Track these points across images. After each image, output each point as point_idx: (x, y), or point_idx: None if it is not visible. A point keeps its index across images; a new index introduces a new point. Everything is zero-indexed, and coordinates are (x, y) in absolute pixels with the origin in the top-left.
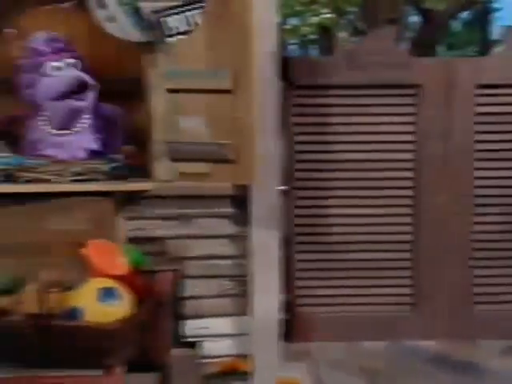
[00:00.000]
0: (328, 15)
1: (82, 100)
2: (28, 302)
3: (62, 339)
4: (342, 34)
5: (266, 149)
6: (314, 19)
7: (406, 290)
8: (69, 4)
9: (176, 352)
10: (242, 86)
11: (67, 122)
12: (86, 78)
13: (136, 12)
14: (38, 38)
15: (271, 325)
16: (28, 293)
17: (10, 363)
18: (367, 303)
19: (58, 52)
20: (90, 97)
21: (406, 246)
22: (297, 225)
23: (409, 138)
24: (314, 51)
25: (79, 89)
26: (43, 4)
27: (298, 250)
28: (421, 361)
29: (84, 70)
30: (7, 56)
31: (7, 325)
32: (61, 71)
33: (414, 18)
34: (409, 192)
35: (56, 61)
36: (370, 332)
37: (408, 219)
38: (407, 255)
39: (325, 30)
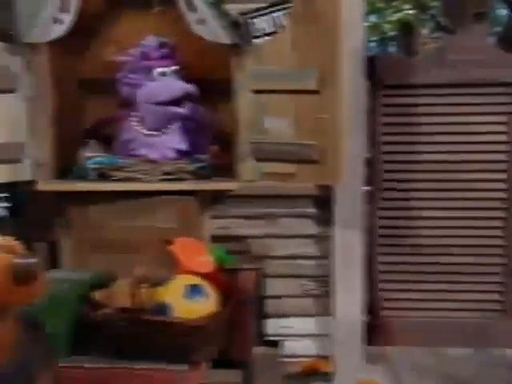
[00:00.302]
0: (410, 11)
1: (182, 108)
2: (120, 296)
3: (152, 333)
4: (424, 30)
5: (352, 149)
6: (396, 16)
7: (495, 296)
8: (159, 8)
9: (258, 350)
10: (329, 85)
11: (161, 125)
12: (192, 89)
13: (224, 14)
14: (149, 42)
15: (354, 326)
16: (120, 287)
17: (105, 354)
18: (453, 309)
19: (165, 58)
20: (190, 106)
21: (497, 251)
22: (381, 226)
23: (502, 138)
24: (393, 48)
25: (182, 98)
26: (136, 8)
27: (381, 252)
28: (508, 370)
29: (184, 76)
30: (101, 58)
31: (101, 317)
32: (165, 77)
33: (502, 12)
34: (501, 194)
35: (162, 66)
36: (455, 338)
37: (499, 223)
38: (498, 260)
39: (406, 27)
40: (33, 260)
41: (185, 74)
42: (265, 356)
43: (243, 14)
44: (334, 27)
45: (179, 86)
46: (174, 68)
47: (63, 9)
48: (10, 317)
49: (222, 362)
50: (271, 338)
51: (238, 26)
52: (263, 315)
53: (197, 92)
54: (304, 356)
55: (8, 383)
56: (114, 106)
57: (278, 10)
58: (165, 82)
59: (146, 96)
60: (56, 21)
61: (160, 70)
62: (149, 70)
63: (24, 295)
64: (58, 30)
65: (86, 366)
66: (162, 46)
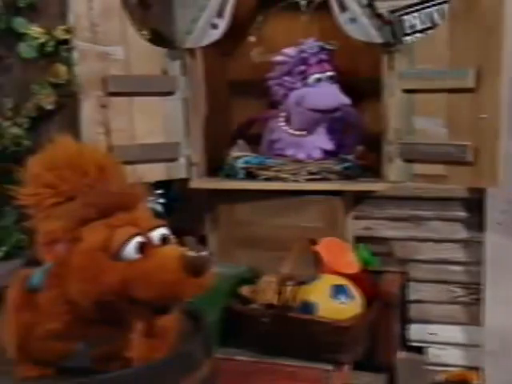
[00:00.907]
0: None
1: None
2: (266, 292)
3: (297, 331)
4: None
5: (508, 150)
6: None
7: None
8: (306, 9)
9: (402, 355)
10: (487, 84)
11: (309, 126)
12: (348, 101)
13: (375, 13)
14: (310, 47)
15: (507, 338)
16: (266, 284)
17: (249, 348)
18: None
19: (322, 62)
20: (339, 113)
21: None
22: None
23: None
24: None
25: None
26: (284, 9)
27: None
28: None
29: (338, 81)
30: (249, 60)
31: (248, 312)
32: (321, 83)
33: None
34: None
35: (319, 72)
36: None
37: None
38: None
39: None
40: (204, 253)
41: (345, 82)
42: (409, 362)
43: (394, 11)
44: (497, 24)
45: (335, 98)
46: (329, 74)
47: (219, 14)
48: (177, 307)
49: (365, 364)
50: (414, 344)
51: (389, 24)
52: (407, 320)
53: (349, 101)
54: (449, 365)
55: (173, 370)
56: (260, 107)
57: (431, 6)
58: (321, 91)
59: (300, 100)
60: (212, 26)
61: (316, 75)
62: (305, 74)
63: (194, 287)
64: (214, 35)
65: (236, 358)
66: (321, 50)
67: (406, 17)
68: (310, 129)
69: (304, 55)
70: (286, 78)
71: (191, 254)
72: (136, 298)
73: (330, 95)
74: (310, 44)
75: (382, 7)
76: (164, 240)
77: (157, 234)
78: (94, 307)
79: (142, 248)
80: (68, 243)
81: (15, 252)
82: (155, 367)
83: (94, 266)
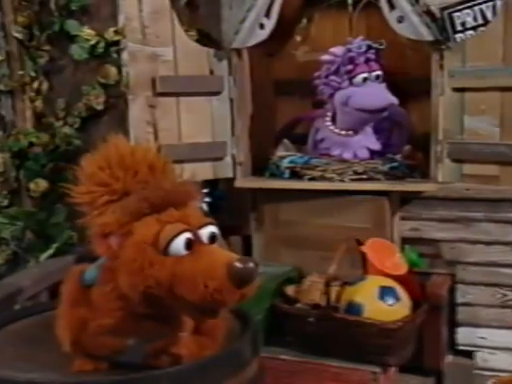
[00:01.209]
0: None
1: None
2: (312, 292)
3: (343, 332)
4: None
5: None
6: None
7: None
8: (353, 8)
9: (449, 359)
10: None
11: (356, 126)
12: (395, 101)
13: (425, 10)
14: (357, 47)
15: None
16: (310, 284)
17: (295, 347)
18: None
19: (368, 62)
20: (386, 113)
21: None
22: None
23: None
24: None
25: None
26: (330, 9)
27: None
28: None
29: (386, 80)
30: (295, 59)
31: (293, 312)
32: (368, 83)
33: None
34: None
35: (366, 72)
36: None
37: None
38: None
39: None
40: (252, 265)
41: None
42: (457, 366)
43: (445, 8)
44: None
45: (382, 98)
46: (376, 73)
47: (267, 14)
48: (223, 311)
49: (412, 367)
50: (462, 348)
51: (439, 21)
52: (455, 323)
53: (396, 101)
54: (499, 370)
55: (222, 368)
56: (305, 107)
57: (483, 3)
58: (368, 91)
59: (346, 100)
60: (259, 26)
61: (363, 75)
62: (352, 73)
63: (236, 297)
64: (261, 35)
65: (281, 357)
66: (368, 49)
67: (456, 14)
68: (356, 128)
69: (351, 54)
70: (333, 78)
71: (239, 264)
72: (179, 296)
73: (376, 95)
74: (358, 43)
75: (433, 4)
76: (212, 238)
77: (206, 231)
78: (143, 302)
79: (190, 245)
80: (121, 237)
81: (66, 249)
82: (206, 364)
83: (142, 259)
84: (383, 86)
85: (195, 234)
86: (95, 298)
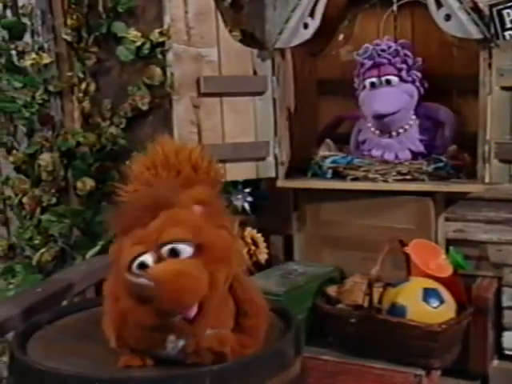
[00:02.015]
0: None
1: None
2: (352, 292)
3: (386, 333)
4: None
5: None
6: None
7: None
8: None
9: (495, 363)
10: None
11: (388, 128)
12: (394, 107)
13: (473, 7)
14: (363, 50)
15: None
16: (353, 284)
17: (337, 348)
18: None
19: (379, 66)
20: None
21: None
22: None
23: None
24: None
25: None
26: (374, 7)
27: None
28: None
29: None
30: (338, 58)
31: (335, 312)
32: (376, 88)
33: None
34: None
35: (373, 77)
36: None
37: None
38: None
39: None
40: (141, 280)
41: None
42: (503, 370)
43: (494, 5)
44: None
45: (383, 104)
46: (386, 78)
47: (311, 14)
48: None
49: (457, 370)
50: (508, 353)
51: (488, 18)
52: (501, 327)
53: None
54: None
55: (265, 367)
56: (348, 106)
57: None
58: (372, 96)
59: (361, 104)
60: (303, 26)
61: (370, 80)
62: (363, 77)
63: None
64: (305, 35)
65: (322, 357)
66: (379, 51)
67: (506, 11)
68: (391, 130)
69: (358, 59)
70: (355, 80)
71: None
72: None
73: (378, 101)
74: (364, 48)
75: (481, 1)
76: (173, 252)
77: (166, 248)
78: None
79: (144, 266)
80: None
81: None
82: (249, 363)
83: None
84: (393, 90)
85: (155, 252)
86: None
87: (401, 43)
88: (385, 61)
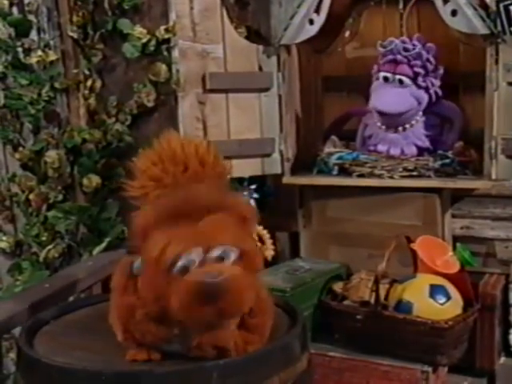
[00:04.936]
0: None
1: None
2: (359, 289)
3: (392, 329)
4: None
5: None
6: None
7: None
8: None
9: (502, 360)
10: None
11: (393, 124)
12: (402, 108)
13: (480, 3)
14: (388, 41)
15: None
16: (360, 281)
17: (343, 344)
18: None
19: (396, 63)
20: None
21: None
22: None
23: None
24: None
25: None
26: (380, 4)
27: None
28: None
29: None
30: (343, 55)
31: (342, 308)
32: (387, 83)
33: None
34: None
35: (389, 72)
36: None
37: None
38: None
39: None
40: (216, 280)
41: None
42: (510, 367)
43: (500, 0)
44: None
45: (390, 104)
46: (399, 77)
47: (316, 10)
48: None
49: (464, 367)
50: None
51: (494, 14)
52: (508, 324)
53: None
54: None
55: (272, 362)
56: (354, 103)
57: None
58: (381, 93)
59: (371, 98)
60: (309, 22)
61: (384, 74)
62: (377, 71)
63: (211, 312)
64: (310, 31)
65: (328, 354)
66: (393, 51)
67: None
68: (399, 126)
69: (381, 49)
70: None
71: (202, 280)
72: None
73: (380, 98)
74: (390, 40)
75: None
76: (220, 258)
77: (214, 253)
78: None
79: (187, 268)
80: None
81: (117, 243)
82: (256, 358)
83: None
84: (401, 91)
85: (202, 254)
86: (140, 287)
87: (427, 47)
88: (404, 60)
